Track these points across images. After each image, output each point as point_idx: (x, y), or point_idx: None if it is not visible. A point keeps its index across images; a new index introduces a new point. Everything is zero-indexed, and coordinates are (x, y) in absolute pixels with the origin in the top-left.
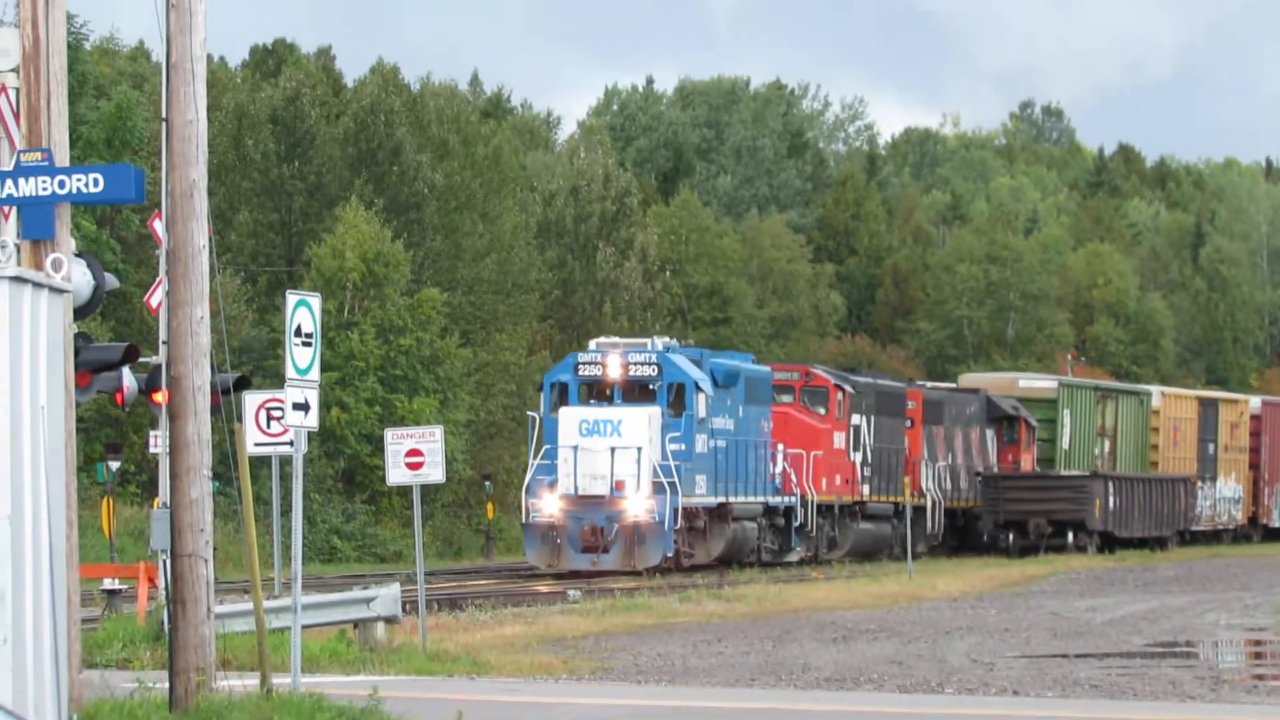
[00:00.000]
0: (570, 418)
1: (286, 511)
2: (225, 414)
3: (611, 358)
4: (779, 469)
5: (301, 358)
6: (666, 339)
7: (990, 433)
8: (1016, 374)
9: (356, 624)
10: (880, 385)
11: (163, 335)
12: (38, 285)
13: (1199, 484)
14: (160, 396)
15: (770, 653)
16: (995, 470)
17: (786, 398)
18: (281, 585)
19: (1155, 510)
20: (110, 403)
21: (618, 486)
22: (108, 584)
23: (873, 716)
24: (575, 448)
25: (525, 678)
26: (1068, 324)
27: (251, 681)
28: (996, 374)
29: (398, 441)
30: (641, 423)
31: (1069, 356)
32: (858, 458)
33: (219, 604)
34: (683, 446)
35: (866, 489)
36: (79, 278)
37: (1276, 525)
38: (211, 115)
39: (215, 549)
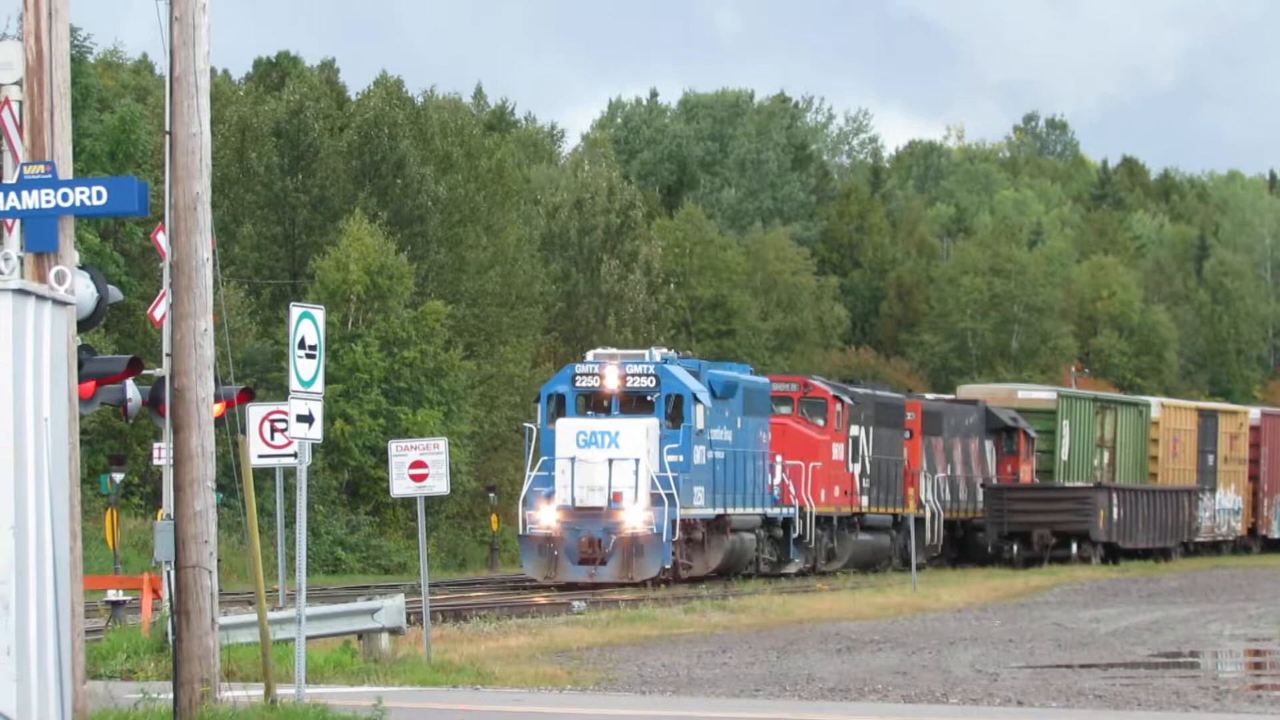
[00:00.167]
0: (567, 429)
1: (291, 523)
2: (229, 426)
3: (609, 369)
4: (777, 480)
5: (305, 370)
6: (664, 350)
7: (989, 444)
8: (1015, 385)
9: (361, 635)
10: (879, 396)
11: (166, 348)
12: (41, 298)
13: (1200, 495)
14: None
15: (775, 663)
16: (994, 481)
17: (785, 409)
18: (286, 596)
19: (1159, 521)
20: (114, 415)
21: (615, 498)
22: (112, 595)
23: None
24: (572, 459)
25: (530, 688)
26: (1071, 336)
27: (256, 692)
28: (995, 385)
29: (402, 453)
30: (639, 434)
31: (1073, 369)
32: (856, 469)
33: (223, 615)
34: (681, 458)
35: (865, 500)
36: (82, 290)
37: (1276, 536)
38: (215, 128)
39: (219, 560)
